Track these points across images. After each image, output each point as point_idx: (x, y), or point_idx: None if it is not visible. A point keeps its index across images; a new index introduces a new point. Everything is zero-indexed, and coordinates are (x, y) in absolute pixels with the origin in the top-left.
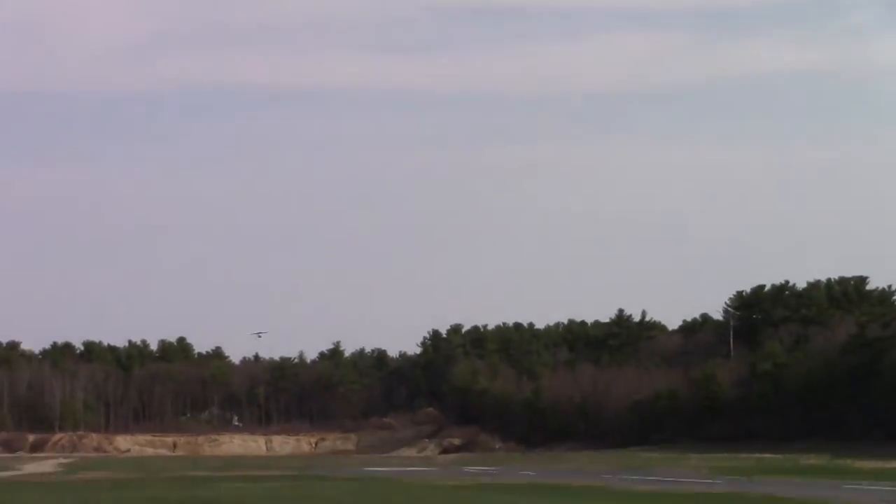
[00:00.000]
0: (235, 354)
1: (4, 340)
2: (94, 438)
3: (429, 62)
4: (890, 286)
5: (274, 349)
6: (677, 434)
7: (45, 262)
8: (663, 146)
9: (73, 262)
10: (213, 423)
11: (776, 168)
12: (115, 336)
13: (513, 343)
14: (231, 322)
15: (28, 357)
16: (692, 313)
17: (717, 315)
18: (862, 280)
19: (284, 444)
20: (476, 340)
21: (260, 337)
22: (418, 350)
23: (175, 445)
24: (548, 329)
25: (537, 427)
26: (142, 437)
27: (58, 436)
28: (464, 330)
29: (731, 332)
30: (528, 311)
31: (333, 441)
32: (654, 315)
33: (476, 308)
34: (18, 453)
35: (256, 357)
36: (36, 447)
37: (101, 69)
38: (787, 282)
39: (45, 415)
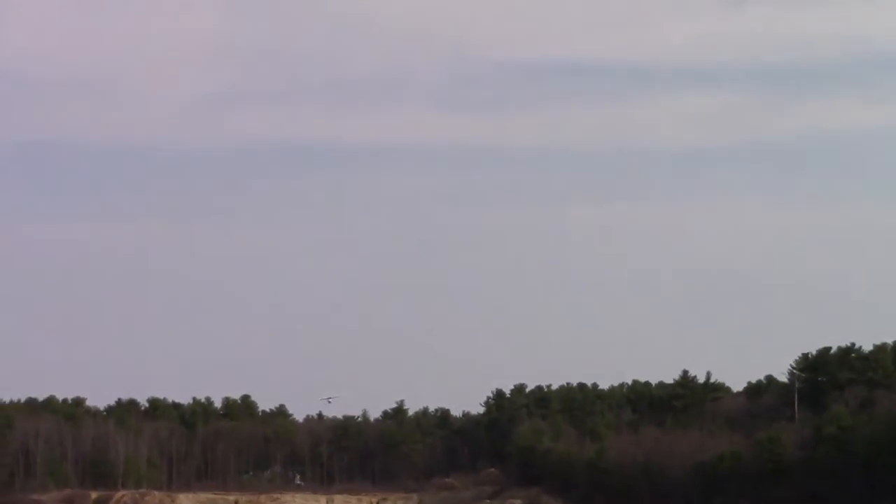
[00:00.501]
0: (299, 413)
1: (70, 397)
2: (156, 496)
3: (499, 119)
4: None
5: (338, 408)
6: (741, 497)
7: (110, 318)
8: (732, 204)
9: (139, 319)
10: (275, 482)
11: (838, 227)
12: (180, 393)
13: (576, 403)
14: (295, 380)
15: (93, 414)
16: (757, 375)
17: (783, 377)
18: None
19: (346, 503)
20: (540, 400)
21: (330, 402)
22: (482, 410)
23: (237, 503)
24: (612, 390)
25: (600, 488)
26: (204, 495)
27: (120, 493)
28: (527, 390)
29: (797, 395)
30: (592, 371)
31: (395, 501)
32: (718, 377)
33: (540, 368)
34: None
35: (320, 415)
36: None
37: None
38: (854, 344)
39: (109, 471)
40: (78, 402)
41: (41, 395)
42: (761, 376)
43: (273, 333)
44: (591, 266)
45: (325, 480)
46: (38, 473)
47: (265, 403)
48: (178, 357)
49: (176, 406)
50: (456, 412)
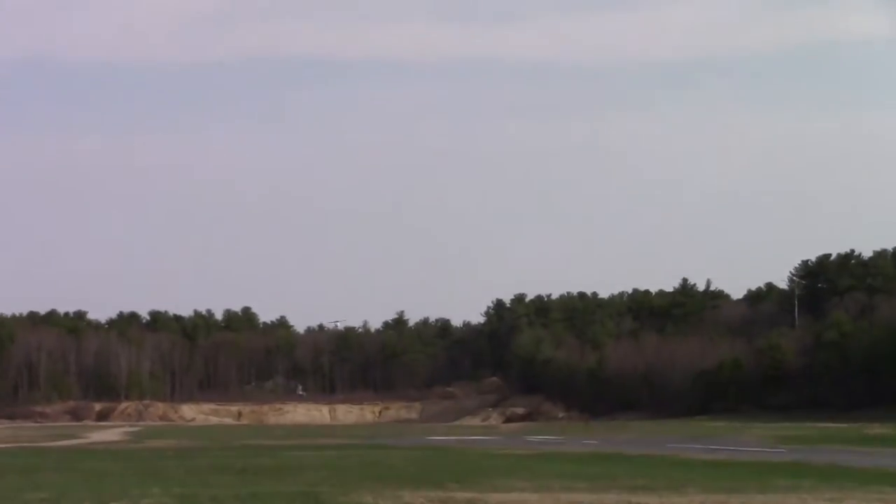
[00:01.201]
0: (300, 324)
1: (72, 310)
2: (159, 407)
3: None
4: None
5: (338, 318)
6: (741, 403)
7: (110, 231)
8: (729, 114)
9: (139, 231)
10: (277, 393)
11: (838, 136)
12: (181, 306)
13: (577, 312)
14: (296, 292)
15: (95, 327)
16: (757, 283)
17: (783, 284)
18: None
19: (348, 413)
20: (540, 310)
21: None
22: (482, 320)
23: (240, 414)
24: (612, 299)
25: (601, 396)
26: (207, 406)
27: (124, 404)
28: (528, 299)
29: (797, 302)
30: (592, 280)
31: (397, 410)
32: (718, 284)
33: (540, 277)
34: (85, 422)
35: (321, 327)
36: (102, 416)
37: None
38: (853, 251)
39: (112, 384)
40: (80, 315)
41: (43, 309)
42: (761, 283)
43: (272, 245)
44: (590, 178)
45: (327, 391)
46: (41, 386)
47: (266, 315)
48: (179, 269)
49: (177, 318)
50: (456, 322)
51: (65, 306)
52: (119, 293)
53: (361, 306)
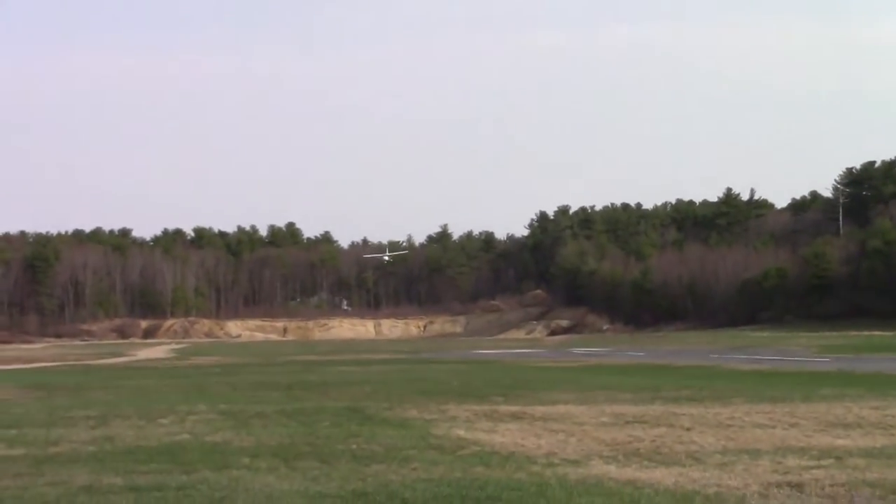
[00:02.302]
0: (344, 239)
1: (116, 228)
2: (205, 324)
3: None
4: None
5: (382, 233)
6: (786, 313)
7: (155, 148)
8: (776, 17)
9: (184, 148)
10: (322, 308)
11: (888, 42)
12: (225, 222)
13: (620, 224)
14: (340, 207)
15: (140, 244)
16: (801, 191)
17: (827, 192)
18: None
19: (393, 328)
20: (584, 222)
21: (387, 260)
22: (526, 232)
23: (285, 330)
24: (656, 209)
25: (645, 308)
26: (252, 322)
27: (170, 321)
28: (571, 211)
29: (841, 210)
30: (635, 191)
31: (442, 324)
32: (762, 193)
33: (583, 190)
34: (131, 339)
35: (365, 242)
36: (149, 333)
37: None
38: None
39: (158, 301)
40: (124, 232)
41: (87, 227)
42: (805, 192)
43: (317, 160)
44: (629, 86)
45: (372, 305)
46: (87, 304)
47: (310, 230)
48: (223, 185)
49: (221, 235)
50: (500, 235)
51: (109, 224)
52: (163, 210)
53: (405, 220)
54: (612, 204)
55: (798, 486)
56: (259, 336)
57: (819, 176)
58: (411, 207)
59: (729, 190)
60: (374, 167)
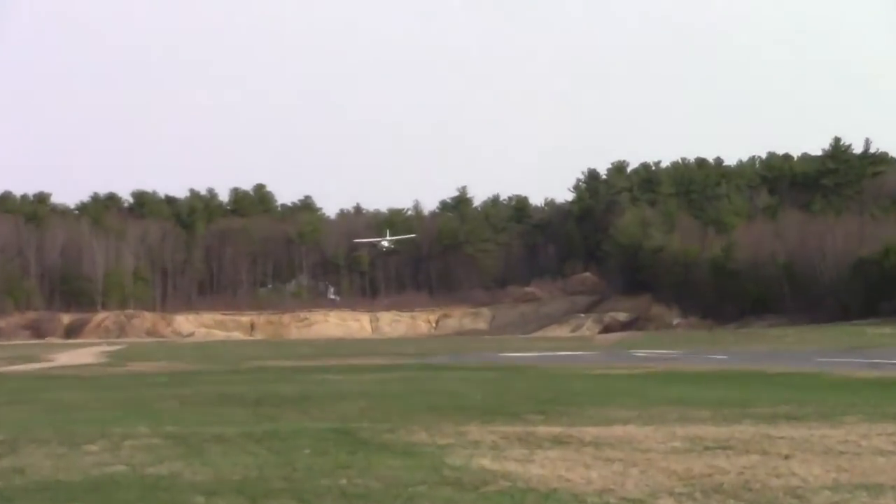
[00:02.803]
0: (330, 206)
1: (31, 192)
2: (146, 318)
3: None
4: None
5: (381, 197)
6: None
7: (83, 96)
8: None
9: (120, 95)
10: (302, 297)
11: None
12: (174, 184)
13: (695, 185)
14: (322, 165)
15: (61, 213)
16: None
17: None
18: None
19: (395, 324)
20: (646, 182)
21: (387, 247)
22: (571, 196)
23: (253, 326)
24: (741, 166)
25: (729, 296)
26: (209, 317)
27: (101, 315)
28: (630, 169)
29: None
30: (713, 143)
31: (459, 318)
32: (880, 145)
33: (646, 140)
34: (50, 339)
35: (358, 209)
36: (72, 331)
37: None
38: None
39: (84, 289)
40: (41, 198)
41: None
42: None
43: (293, 105)
44: (705, 23)
45: (367, 294)
46: None
47: (285, 195)
48: (171, 138)
49: (169, 201)
50: (536, 201)
51: (21, 187)
52: (92, 170)
53: (411, 181)
54: (684, 159)
55: None
56: (218, 334)
57: None
58: (419, 164)
59: (837, 141)
60: (368, 109)
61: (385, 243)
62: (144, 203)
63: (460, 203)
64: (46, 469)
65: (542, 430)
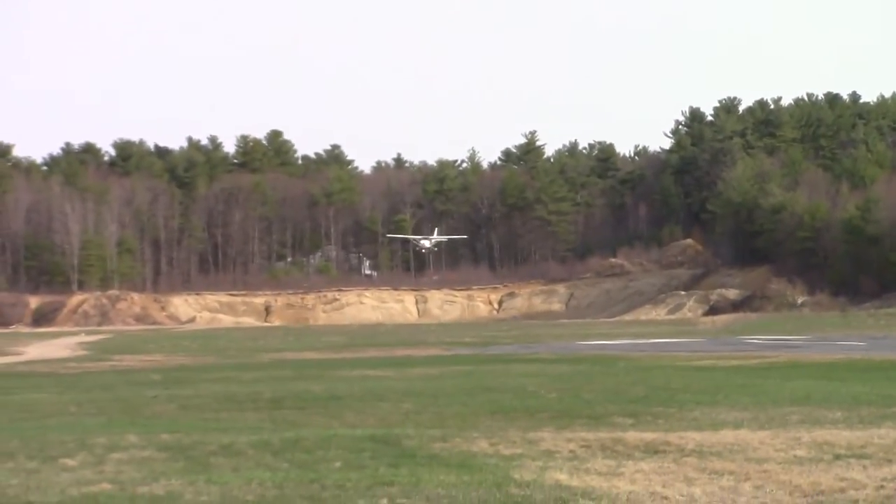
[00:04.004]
0: (364, 159)
1: None
2: (135, 301)
3: None
4: None
5: (427, 147)
6: None
7: (54, 27)
8: None
9: (101, 22)
10: (330, 273)
11: None
12: (168, 133)
13: (824, 128)
14: (354, 105)
15: (25, 169)
16: None
17: None
18: None
19: (448, 305)
20: (763, 124)
21: (429, 245)
22: (668, 143)
23: (268, 310)
24: (882, 104)
25: (866, 267)
26: (213, 298)
27: (77, 297)
28: (743, 108)
29: None
30: (848, 74)
31: (528, 297)
32: None
33: (763, 71)
34: (15, 327)
35: (398, 161)
36: (43, 316)
37: None
38: None
39: (56, 264)
40: (1, 150)
41: None
42: None
43: (314, 30)
44: None
45: (412, 268)
46: None
47: (307, 145)
48: (160, 76)
49: (161, 153)
50: (624, 149)
51: None
52: (63, 120)
53: (466, 125)
54: (810, 95)
55: None
56: (225, 320)
57: None
58: (475, 103)
59: None
60: (408, 38)
61: (427, 242)
62: (130, 156)
63: (529, 153)
64: (14, 489)
65: (633, 436)
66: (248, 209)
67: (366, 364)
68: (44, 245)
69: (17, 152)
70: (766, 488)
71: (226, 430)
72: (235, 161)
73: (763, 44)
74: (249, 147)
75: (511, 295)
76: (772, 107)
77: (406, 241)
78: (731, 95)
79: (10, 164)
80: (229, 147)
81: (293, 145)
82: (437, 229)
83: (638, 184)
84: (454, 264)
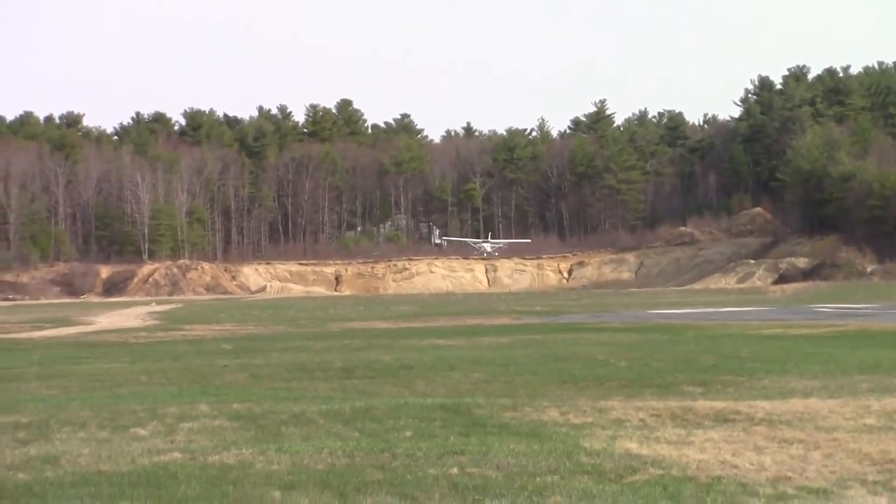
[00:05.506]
0: (434, 128)
1: (58, 113)
2: (205, 271)
3: None
4: None
5: (497, 117)
6: None
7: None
8: None
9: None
10: (400, 242)
11: None
12: (234, 101)
13: (893, 95)
14: (425, 75)
15: (96, 139)
16: None
17: None
18: None
19: (518, 274)
20: (833, 93)
21: (490, 250)
22: (737, 112)
23: (339, 280)
24: None
25: None
26: (283, 268)
27: (147, 268)
28: (811, 76)
29: None
30: None
31: (598, 267)
32: None
33: (833, 40)
34: (86, 297)
35: (468, 130)
36: (113, 286)
37: None
38: None
39: (127, 234)
40: (71, 120)
41: (11, 112)
42: None
43: (383, 6)
44: None
45: (482, 237)
46: (11, 239)
47: (377, 114)
48: (231, 47)
49: (230, 123)
50: (693, 117)
51: (45, 107)
52: (133, 86)
53: (536, 94)
54: (881, 63)
55: None
56: (296, 289)
57: None
58: (544, 72)
59: None
60: (478, 5)
61: (488, 247)
62: (200, 125)
63: (598, 121)
64: (85, 458)
65: (702, 405)
66: (317, 179)
67: (436, 333)
68: (114, 215)
69: (88, 122)
70: (835, 457)
71: (296, 399)
72: (305, 130)
73: (833, 12)
74: (319, 116)
75: (581, 264)
76: (841, 75)
77: (475, 209)
78: (801, 64)
79: (80, 133)
80: (299, 116)
81: (363, 115)
82: (489, 233)
83: (707, 152)
84: (524, 234)
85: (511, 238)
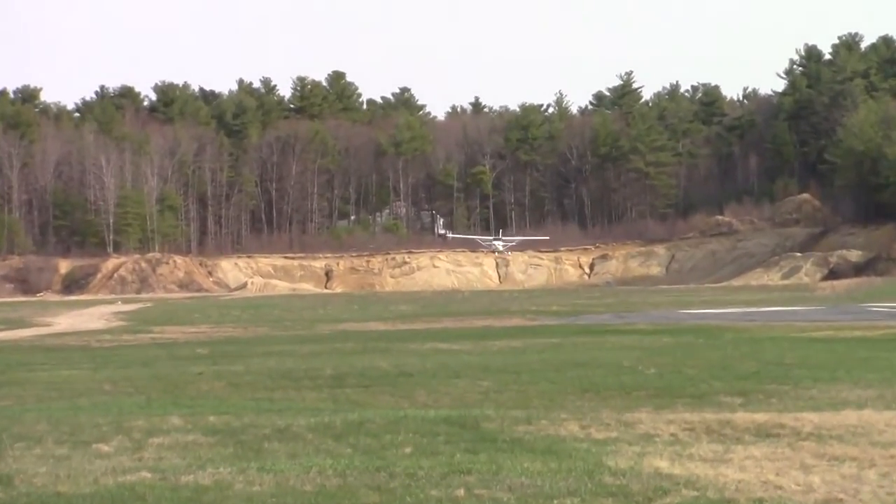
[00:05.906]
0: (437, 103)
1: (12, 87)
2: (178, 265)
3: None
4: None
5: (507, 91)
6: None
7: None
8: None
9: None
10: (399, 233)
11: None
12: (211, 74)
13: None
14: (425, 44)
15: (55, 116)
16: None
17: None
18: None
19: (533, 269)
20: (887, 63)
21: (503, 251)
22: (780, 86)
23: (329, 275)
24: None
25: None
26: (267, 261)
27: (115, 260)
28: (865, 44)
29: None
30: None
31: (623, 260)
32: None
33: (884, 5)
34: (44, 294)
35: (476, 105)
36: (74, 284)
37: None
38: None
39: (89, 223)
40: (29, 95)
41: None
42: None
43: None
44: None
45: (492, 228)
46: None
47: (374, 88)
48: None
49: (206, 97)
50: (731, 92)
51: (0, 81)
52: (100, 57)
53: (551, 66)
54: None
55: None
56: (280, 286)
57: None
58: (561, 40)
59: None
60: None
61: (500, 245)
62: (172, 101)
63: (624, 96)
64: (41, 478)
65: (742, 417)
66: (306, 161)
67: (439, 336)
68: (75, 202)
69: (46, 97)
70: (892, 476)
71: (281, 411)
72: (292, 106)
73: None
74: (307, 90)
75: (604, 257)
76: None
77: (484, 195)
78: (853, 31)
79: (37, 110)
80: (285, 90)
81: (357, 88)
82: (500, 231)
83: (747, 131)
84: (539, 223)
85: (525, 230)
